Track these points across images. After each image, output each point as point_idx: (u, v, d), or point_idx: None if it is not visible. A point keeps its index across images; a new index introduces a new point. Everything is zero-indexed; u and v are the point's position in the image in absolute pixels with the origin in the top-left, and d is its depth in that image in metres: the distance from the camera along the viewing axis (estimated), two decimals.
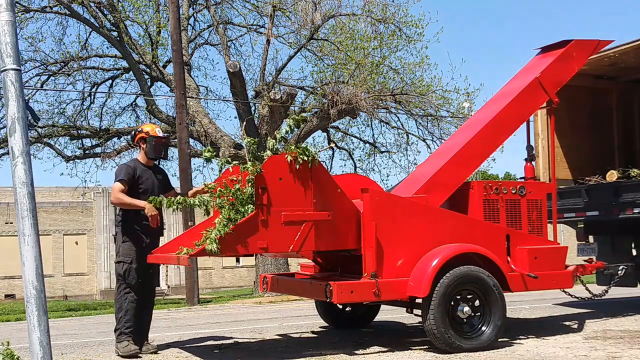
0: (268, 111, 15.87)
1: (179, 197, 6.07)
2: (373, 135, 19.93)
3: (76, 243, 39.44)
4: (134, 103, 18.85)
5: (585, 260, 7.86)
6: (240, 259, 33.10)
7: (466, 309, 5.91)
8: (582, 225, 9.11)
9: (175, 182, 15.44)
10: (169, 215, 34.70)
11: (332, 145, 19.04)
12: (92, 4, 16.52)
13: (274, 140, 5.93)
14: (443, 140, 16.07)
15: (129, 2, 17.20)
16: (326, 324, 7.74)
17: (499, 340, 6.07)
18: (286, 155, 5.52)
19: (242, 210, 5.50)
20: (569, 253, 6.94)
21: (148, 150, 6.45)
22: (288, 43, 17.76)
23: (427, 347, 6.08)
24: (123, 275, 6.26)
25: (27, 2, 16.83)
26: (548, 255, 6.56)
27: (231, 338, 7.22)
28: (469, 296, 5.98)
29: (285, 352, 6.22)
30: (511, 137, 7.55)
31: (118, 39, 16.84)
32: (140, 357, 6.18)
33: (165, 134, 6.69)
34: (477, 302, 6.01)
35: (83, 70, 18.13)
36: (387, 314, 8.19)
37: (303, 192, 5.54)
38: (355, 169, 20.02)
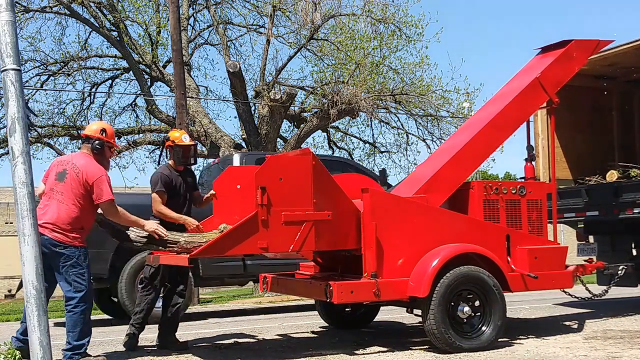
0: (268, 111, 15.87)
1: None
2: (373, 135, 19.94)
3: None
4: (133, 103, 18.84)
5: (585, 260, 7.86)
6: None
7: (466, 309, 5.91)
8: (582, 225, 9.11)
9: None
10: None
11: None
12: (92, 4, 16.50)
13: None
14: (443, 140, 16.06)
15: (129, 2, 17.18)
16: (326, 324, 7.74)
17: (499, 340, 6.07)
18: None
19: None
20: (569, 253, 6.94)
21: (175, 159, 6.66)
22: (288, 43, 17.76)
23: (427, 347, 6.08)
24: (149, 278, 6.56)
25: (27, 2, 16.81)
26: (548, 255, 6.56)
27: (231, 338, 7.22)
28: (469, 296, 5.98)
29: (285, 352, 6.22)
30: (511, 137, 7.55)
31: (118, 39, 16.83)
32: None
33: (193, 140, 6.82)
34: (477, 302, 6.01)
35: (83, 70, 18.09)
36: (387, 314, 8.19)
37: (303, 192, 5.54)
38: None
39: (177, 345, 6.51)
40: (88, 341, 5.54)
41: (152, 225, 5.79)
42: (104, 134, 5.81)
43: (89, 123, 18.04)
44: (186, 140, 6.66)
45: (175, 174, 6.61)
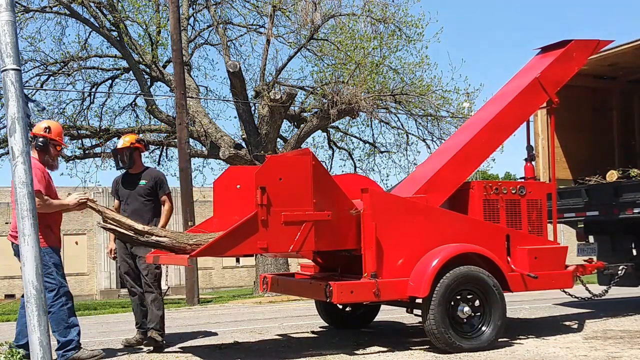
0: (268, 111, 15.86)
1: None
2: (373, 135, 19.94)
3: (76, 243, 39.39)
4: (133, 103, 18.82)
5: (585, 260, 7.86)
6: (240, 259, 33.06)
7: (466, 309, 5.91)
8: (582, 225, 9.11)
9: (175, 182, 15.45)
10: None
11: None
12: (92, 4, 16.49)
13: None
14: (443, 140, 16.06)
15: (129, 2, 17.17)
16: (326, 324, 7.74)
17: (499, 340, 6.07)
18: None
19: None
20: (569, 253, 6.94)
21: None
22: (288, 43, 17.74)
23: (427, 347, 6.09)
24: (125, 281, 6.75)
25: (27, 2, 16.80)
26: (548, 255, 6.56)
27: (231, 338, 7.22)
28: (469, 296, 5.98)
29: (285, 352, 6.22)
30: (511, 137, 7.54)
31: (118, 39, 16.82)
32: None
33: (121, 145, 6.72)
34: (477, 302, 6.01)
35: (83, 70, 18.08)
36: (387, 314, 8.19)
37: (303, 192, 5.54)
38: (355, 169, 20.00)
39: (155, 343, 6.39)
40: (78, 333, 5.54)
41: (73, 198, 5.79)
42: (48, 132, 5.83)
43: (89, 123, 18.09)
44: (119, 144, 6.75)
45: (126, 176, 6.76)
